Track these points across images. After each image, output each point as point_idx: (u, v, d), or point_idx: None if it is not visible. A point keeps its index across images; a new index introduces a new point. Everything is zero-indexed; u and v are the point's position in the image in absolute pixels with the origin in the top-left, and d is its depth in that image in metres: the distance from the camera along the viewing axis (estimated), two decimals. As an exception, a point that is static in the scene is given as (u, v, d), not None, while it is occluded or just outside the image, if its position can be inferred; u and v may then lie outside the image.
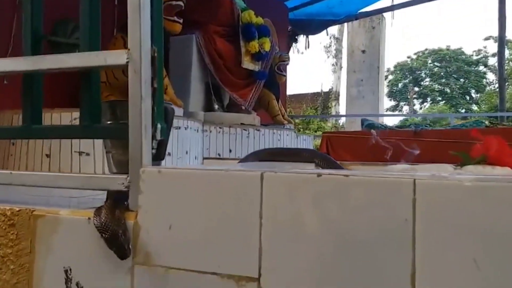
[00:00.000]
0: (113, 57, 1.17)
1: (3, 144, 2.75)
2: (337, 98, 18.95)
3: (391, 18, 8.25)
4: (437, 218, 0.85)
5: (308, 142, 4.88)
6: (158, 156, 1.31)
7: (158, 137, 1.19)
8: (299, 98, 20.15)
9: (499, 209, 0.81)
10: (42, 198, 1.43)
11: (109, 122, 1.32)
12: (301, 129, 16.88)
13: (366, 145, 2.23)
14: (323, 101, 20.17)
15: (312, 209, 0.94)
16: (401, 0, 7.99)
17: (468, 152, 1.34)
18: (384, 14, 9.46)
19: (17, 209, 1.23)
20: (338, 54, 18.73)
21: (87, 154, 2.61)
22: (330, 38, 18.15)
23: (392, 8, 8.21)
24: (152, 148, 1.26)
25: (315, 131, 17.07)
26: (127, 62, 1.14)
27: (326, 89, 20.52)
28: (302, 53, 9.26)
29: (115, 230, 1.06)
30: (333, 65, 19.94)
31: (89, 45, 1.27)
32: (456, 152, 1.32)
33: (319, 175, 0.95)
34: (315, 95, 20.66)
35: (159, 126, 1.19)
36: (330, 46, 19.57)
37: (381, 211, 0.89)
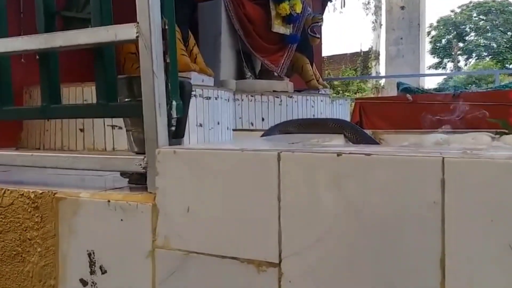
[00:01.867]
0: (123, 32, 1.12)
1: (39, 120, 2.78)
2: (377, 58, 18.40)
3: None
4: (468, 199, 0.77)
5: (344, 107, 4.73)
6: (178, 133, 1.26)
7: (174, 114, 1.15)
8: (338, 58, 19.71)
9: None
10: (66, 177, 1.43)
11: (126, 100, 1.28)
12: (340, 91, 16.57)
13: (401, 110, 2.12)
14: (362, 61, 19.67)
15: (332, 191, 0.88)
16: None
17: (508, 117, 1.23)
18: (424, -33, 8.97)
19: (40, 191, 1.22)
20: (377, 11, 18.06)
21: (120, 128, 2.62)
22: (369, -6, 17.51)
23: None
24: (169, 126, 1.22)
25: (355, 93, 16.72)
26: (137, 36, 1.09)
27: (365, 49, 19.94)
28: (341, 12, 8.91)
29: None
30: (372, 22, 19.27)
31: (100, 19, 1.22)
32: (494, 120, 1.21)
33: (339, 154, 0.88)
34: (355, 55, 20.15)
35: (174, 103, 1.14)
36: (369, 2, 18.89)
37: (407, 193, 0.82)
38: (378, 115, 2.15)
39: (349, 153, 0.88)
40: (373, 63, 19.03)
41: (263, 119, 3.55)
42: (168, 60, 1.12)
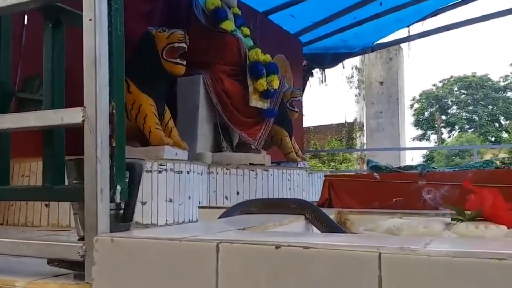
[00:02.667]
0: (69, 115, 1.10)
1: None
2: (361, 129, 18.75)
3: (408, 49, 8.14)
4: (406, 298, 0.73)
5: (322, 180, 4.73)
6: (126, 217, 1.22)
7: (118, 199, 1.11)
8: (324, 129, 20.02)
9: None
10: (10, 259, 1.35)
11: (75, 182, 1.25)
12: (326, 161, 16.68)
13: (369, 189, 2.11)
14: (347, 132, 19.98)
15: (271, 285, 0.84)
16: (418, 30, 7.89)
17: (464, 203, 1.22)
18: (401, 44, 9.36)
19: (-24, 278, 1.15)
20: (360, 84, 18.66)
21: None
22: (352, 68, 18.13)
23: (408, 39, 8.11)
24: (117, 210, 1.18)
25: (341, 163, 16.84)
26: (83, 120, 1.08)
27: (350, 120, 20.33)
28: (326, 85, 9.18)
29: None
30: (356, 95, 19.82)
31: (51, 102, 1.21)
32: (449, 207, 1.19)
33: (277, 246, 0.84)
34: (340, 126, 20.50)
35: (118, 187, 1.11)
36: (352, 76, 19.52)
37: (345, 289, 0.78)
38: (347, 192, 2.13)
39: (288, 246, 0.84)
40: (358, 134, 19.35)
41: (237, 193, 3.51)
42: (114, 144, 1.10)
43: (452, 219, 1.22)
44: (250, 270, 0.86)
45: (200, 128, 3.93)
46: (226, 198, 3.42)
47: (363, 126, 18.39)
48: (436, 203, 1.84)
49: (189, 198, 2.98)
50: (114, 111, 1.11)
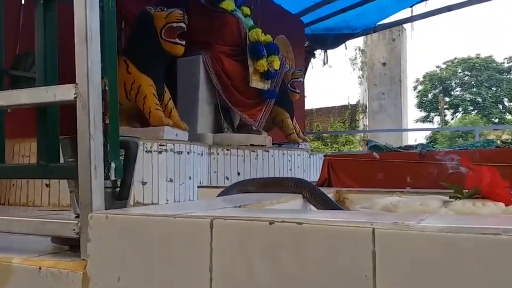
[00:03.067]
0: (62, 92, 1.09)
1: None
2: (364, 111, 18.72)
3: (411, 30, 8.05)
4: (399, 272, 0.73)
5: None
6: (122, 195, 1.22)
7: (112, 177, 1.10)
8: (327, 111, 19.99)
9: (466, 263, 0.68)
10: (5, 237, 1.35)
11: (70, 160, 1.24)
12: (329, 143, 16.67)
13: (368, 168, 2.10)
14: (350, 114, 19.95)
15: (266, 261, 0.83)
16: (421, 11, 7.79)
17: (462, 181, 1.21)
18: (404, 25, 9.26)
19: (-27, 255, 1.15)
20: (363, 66, 18.56)
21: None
22: (355, 50, 18.01)
23: (411, 19, 8.02)
24: (113, 188, 1.17)
25: (343, 145, 16.83)
26: (75, 97, 1.06)
27: (353, 102, 20.28)
28: (330, 66, 9.12)
29: None
30: (359, 77, 19.73)
31: (44, 79, 1.20)
32: (447, 184, 1.18)
33: (271, 222, 0.83)
34: (343, 108, 20.46)
35: (113, 165, 1.10)
36: (355, 58, 19.41)
37: (338, 265, 0.77)
38: (346, 172, 2.13)
39: (282, 221, 0.83)
40: (361, 116, 19.32)
41: (238, 173, 3.51)
42: (107, 121, 1.09)
43: (450, 197, 1.21)
44: (244, 246, 0.85)
45: (201, 109, 3.91)
46: (227, 178, 3.41)
47: (366, 108, 18.36)
48: (436, 181, 1.83)
49: (190, 178, 2.98)
50: (107, 88, 1.09)
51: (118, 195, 1.20)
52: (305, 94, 7.83)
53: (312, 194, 1.49)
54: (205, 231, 0.89)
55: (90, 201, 1.04)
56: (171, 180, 2.81)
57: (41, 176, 1.22)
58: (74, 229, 1.06)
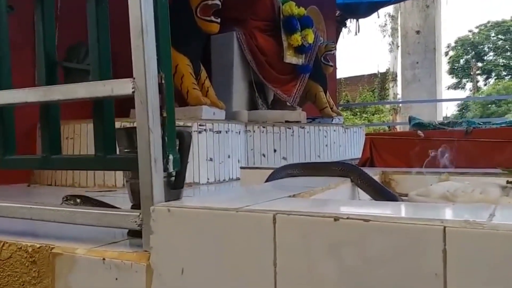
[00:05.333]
0: (119, 87, 1.11)
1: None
2: (394, 79, 18.32)
3: (447, -5, 7.74)
4: (471, 272, 0.72)
5: (358, 135, 4.68)
6: (177, 184, 1.24)
7: (171, 169, 1.12)
8: (355, 80, 19.69)
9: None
10: (66, 226, 1.40)
11: (126, 150, 1.26)
12: (358, 113, 16.48)
13: (412, 147, 2.07)
14: (380, 82, 19.59)
15: (330, 258, 0.84)
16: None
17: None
18: (439, -10, 8.93)
19: (38, 245, 1.20)
20: (394, 33, 18.06)
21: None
22: (385, 16, 17.52)
23: (447, -17, 7.71)
24: (164, 177, 1.19)
25: (373, 114, 16.60)
26: (133, 92, 1.08)
27: (383, 70, 19.87)
28: (356, 34, 8.92)
29: None
30: (389, 44, 19.25)
31: (99, 72, 1.21)
32: (506, 170, 1.16)
33: (336, 219, 0.84)
34: (372, 76, 20.10)
35: (171, 157, 1.12)
36: (385, 25, 18.91)
37: (407, 263, 0.77)
38: (389, 151, 2.10)
39: (347, 218, 0.84)
40: (391, 85, 18.93)
41: (275, 150, 3.52)
42: (165, 115, 1.10)
43: (508, 182, 1.19)
44: (308, 242, 0.86)
45: (236, 86, 3.90)
46: (264, 155, 3.43)
47: (396, 76, 17.97)
48: (485, 159, 1.80)
49: (229, 156, 3.01)
50: (163, 81, 1.10)
51: (174, 184, 1.22)
52: (336, 66, 7.70)
53: (361, 179, 1.49)
54: (268, 226, 0.90)
55: (151, 194, 1.07)
56: (211, 159, 2.84)
57: (99, 168, 1.26)
58: (136, 221, 1.09)
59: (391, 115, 16.16)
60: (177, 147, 1.20)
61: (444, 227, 0.75)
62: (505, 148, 1.89)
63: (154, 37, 1.09)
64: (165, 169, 1.11)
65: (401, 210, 0.95)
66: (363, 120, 16.26)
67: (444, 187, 1.18)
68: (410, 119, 2.67)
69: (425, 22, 10.48)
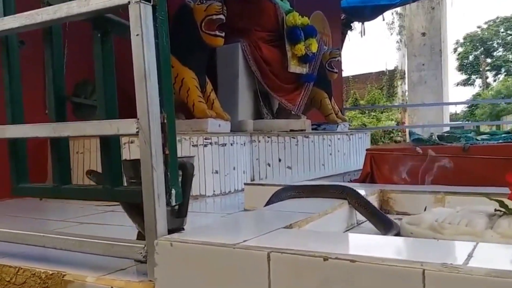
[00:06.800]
0: (124, 126, 1.18)
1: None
2: (402, 77, 18.30)
3: (452, -3, 7.74)
4: (450, 315, 0.79)
5: (363, 141, 4.73)
6: (181, 213, 1.31)
7: (173, 203, 1.19)
8: (363, 78, 19.69)
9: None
10: (77, 255, 1.46)
11: (131, 180, 1.34)
12: (366, 111, 16.47)
13: (410, 164, 2.13)
14: (388, 80, 19.56)
15: (320, 294, 0.91)
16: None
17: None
18: (445, -9, 8.92)
19: (50, 272, 1.28)
20: (402, 30, 18.03)
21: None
22: (392, 14, 17.51)
23: (452, -15, 7.71)
24: (171, 207, 1.25)
25: (381, 112, 16.58)
26: (137, 131, 1.15)
27: (391, 67, 19.84)
28: (362, 36, 8.95)
29: None
30: (397, 42, 19.21)
31: (105, 111, 1.29)
32: (494, 199, 1.21)
33: (325, 259, 0.91)
34: (380, 74, 20.08)
35: (173, 191, 1.18)
36: (393, 22, 18.89)
37: (390, 302, 0.84)
38: (389, 166, 2.15)
39: (335, 258, 0.90)
40: (399, 82, 18.90)
41: (279, 160, 3.58)
42: (167, 152, 1.17)
43: (495, 210, 1.24)
44: (300, 279, 0.93)
45: (241, 96, 3.97)
46: (269, 165, 3.49)
47: (404, 74, 17.95)
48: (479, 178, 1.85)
49: (234, 168, 3.08)
50: (165, 121, 1.17)
51: (178, 213, 1.29)
52: (342, 68, 7.74)
53: (358, 203, 1.55)
54: (263, 264, 0.97)
55: (155, 227, 1.14)
56: (216, 172, 2.91)
57: (106, 199, 1.33)
58: (141, 253, 1.16)
59: (400, 113, 16.17)
60: (180, 178, 1.27)
61: (423, 270, 0.81)
62: (504, 165, 1.94)
63: (157, 79, 1.16)
64: (168, 203, 1.18)
65: (387, 248, 1.01)
66: (372, 118, 16.27)
67: (434, 215, 1.24)
68: (410, 134, 2.71)
69: (430, 24, 10.47)
